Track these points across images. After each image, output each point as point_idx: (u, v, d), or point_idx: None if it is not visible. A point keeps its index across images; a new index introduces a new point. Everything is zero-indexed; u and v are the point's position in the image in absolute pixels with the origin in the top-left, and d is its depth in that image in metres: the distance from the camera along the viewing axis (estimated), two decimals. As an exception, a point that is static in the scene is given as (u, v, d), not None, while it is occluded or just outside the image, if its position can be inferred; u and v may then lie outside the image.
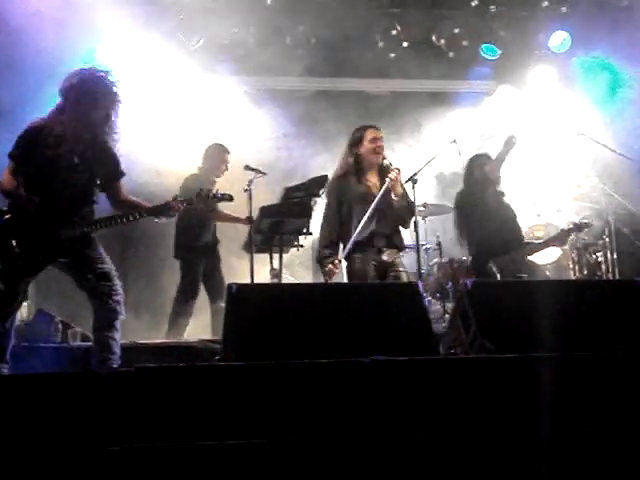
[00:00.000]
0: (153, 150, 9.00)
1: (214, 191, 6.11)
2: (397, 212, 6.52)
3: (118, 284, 5.28)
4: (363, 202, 6.45)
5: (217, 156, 8.28)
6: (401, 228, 6.67)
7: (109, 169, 5.46)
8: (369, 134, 6.62)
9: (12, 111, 7.26)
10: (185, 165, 8.58)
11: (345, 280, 6.84)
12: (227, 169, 8.22)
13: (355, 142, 6.66)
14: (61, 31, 7.94)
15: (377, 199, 6.33)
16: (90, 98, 5.28)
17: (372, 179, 6.64)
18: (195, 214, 7.66)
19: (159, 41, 9.25)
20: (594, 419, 3.82)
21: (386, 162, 6.56)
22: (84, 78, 5.37)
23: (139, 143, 8.51)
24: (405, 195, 6.57)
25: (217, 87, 9.76)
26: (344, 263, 6.49)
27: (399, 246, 6.60)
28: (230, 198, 6.19)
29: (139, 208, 5.50)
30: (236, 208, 7.89)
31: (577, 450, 3.64)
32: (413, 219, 6.75)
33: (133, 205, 5.53)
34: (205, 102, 9.76)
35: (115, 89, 5.39)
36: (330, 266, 6.37)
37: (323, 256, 6.51)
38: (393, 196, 6.44)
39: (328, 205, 6.68)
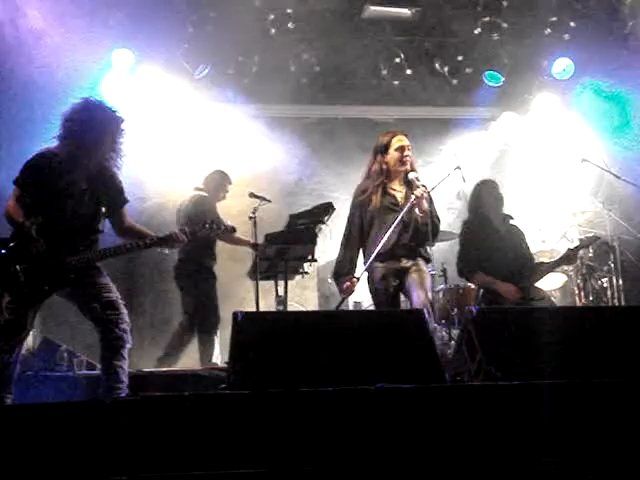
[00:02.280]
0: (160, 176, 9.06)
1: (217, 223, 6.05)
2: (421, 228, 6.30)
3: (124, 312, 5.26)
4: (387, 213, 6.31)
5: (218, 183, 8.28)
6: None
7: (113, 196, 5.48)
8: (396, 141, 6.43)
9: (16, 136, 7.33)
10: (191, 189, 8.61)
11: (365, 291, 6.77)
12: (224, 197, 8.24)
13: (381, 149, 6.47)
14: (66, 58, 8.00)
15: (401, 215, 6.17)
16: (95, 127, 5.31)
17: (398, 188, 6.46)
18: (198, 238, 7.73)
19: (164, 69, 9.34)
20: (601, 447, 3.80)
21: (412, 175, 6.34)
22: (88, 108, 5.41)
23: (147, 169, 8.60)
24: (431, 212, 6.35)
25: (222, 115, 9.82)
26: (365, 274, 6.36)
27: (424, 257, 6.43)
28: (233, 230, 6.16)
29: (143, 237, 5.51)
30: (241, 235, 7.92)
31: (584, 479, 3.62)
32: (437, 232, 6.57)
33: (137, 233, 5.54)
34: (210, 130, 9.81)
35: (119, 118, 5.43)
36: (348, 283, 6.28)
37: (340, 273, 6.41)
38: (418, 212, 6.24)
39: (351, 217, 6.52)
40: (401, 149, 6.41)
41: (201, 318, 7.93)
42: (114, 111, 5.47)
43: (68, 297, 5.34)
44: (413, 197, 6.22)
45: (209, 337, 7.77)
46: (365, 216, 6.41)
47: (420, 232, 6.34)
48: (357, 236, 6.44)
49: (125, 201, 5.54)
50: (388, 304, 6.33)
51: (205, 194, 8.15)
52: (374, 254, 6.15)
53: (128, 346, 5.23)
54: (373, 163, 6.51)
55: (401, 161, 6.40)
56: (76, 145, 5.28)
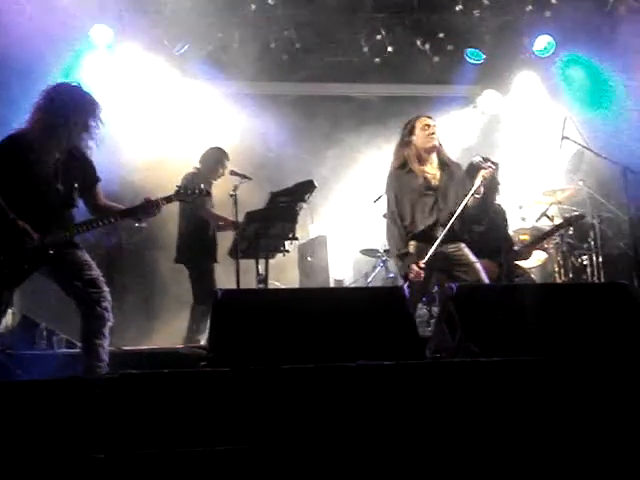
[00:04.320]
0: (142, 153, 9.02)
1: (191, 187, 5.98)
2: (470, 210, 6.39)
3: (106, 290, 5.24)
4: (422, 196, 6.34)
5: (216, 159, 8.18)
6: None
7: (86, 175, 5.45)
8: (420, 122, 6.49)
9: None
10: (172, 164, 8.56)
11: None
12: (224, 174, 8.11)
13: (407, 133, 6.51)
14: (45, 36, 7.93)
15: (468, 197, 6.23)
16: (67, 107, 5.28)
17: (431, 170, 6.46)
18: (193, 217, 7.77)
19: (144, 46, 9.27)
20: (578, 422, 3.83)
21: (477, 159, 6.50)
22: (59, 90, 5.38)
23: (128, 147, 8.56)
24: (484, 199, 6.47)
25: (202, 92, 9.77)
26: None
27: (460, 236, 6.42)
28: (208, 193, 6.10)
29: (117, 211, 5.50)
30: (222, 213, 7.90)
31: (561, 454, 3.64)
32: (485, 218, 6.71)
33: (111, 210, 5.51)
34: (190, 107, 9.76)
35: (91, 99, 5.41)
36: (416, 268, 6.15)
37: (404, 253, 6.32)
38: (475, 195, 6.31)
39: (390, 201, 6.51)
40: (427, 126, 6.46)
41: (199, 299, 7.88)
42: (89, 94, 5.44)
43: (49, 275, 5.32)
44: (480, 177, 6.30)
45: (202, 318, 7.70)
46: (402, 201, 6.41)
47: (470, 215, 6.45)
48: (399, 218, 6.39)
49: (97, 179, 5.52)
50: (419, 286, 6.31)
51: (195, 171, 8.05)
52: (441, 238, 6.18)
53: (109, 324, 5.22)
54: (402, 147, 6.56)
55: (428, 137, 6.43)
56: (48, 124, 5.25)
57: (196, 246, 7.95)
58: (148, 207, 5.47)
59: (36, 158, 5.19)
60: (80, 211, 5.48)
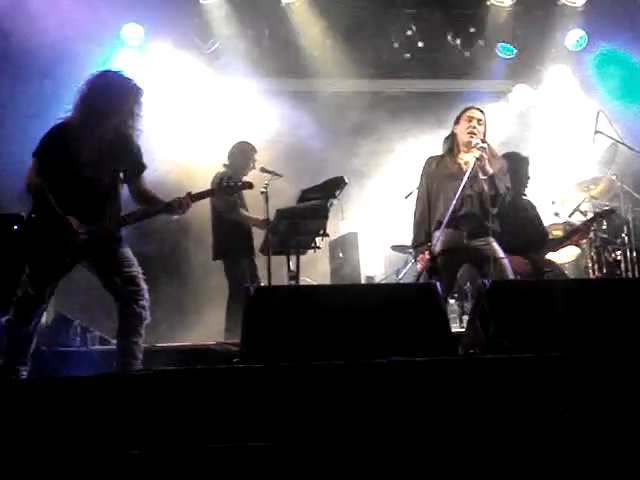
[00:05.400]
0: (171, 149, 9.05)
1: (230, 180, 5.93)
2: (484, 195, 6.33)
3: (144, 288, 5.24)
4: (452, 180, 6.32)
5: (244, 153, 8.17)
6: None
7: (132, 162, 5.43)
8: (467, 113, 6.54)
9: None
10: (206, 163, 8.59)
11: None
12: (254, 167, 8.08)
13: (454, 123, 6.61)
14: (76, 32, 7.99)
15: (464, 180, 6.15)
16: (110, 94, 5.28)
17: (465, 158, 6.46)
18: (224, 216, 7.81)
19: (174, 44, 9.31)
20: (612, 419, 3.80)
21: (475, 140, 6.37)
22: (104, 76, 5.40)
23: (157, 143, 8.59)
24: (492, 177, 6.32)
25: (232, 89, 9.78)
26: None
27: (489, 230, 6.32)
28: (250, 186, 6.08)
29: (158, 203, 5.48)
30: (253, 210, 7.92)
31: (595, 450, 3.62)
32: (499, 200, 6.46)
33: (152, 199, 5.49)
34: (220, 104, 9.78)
35: (136, 87, 5.41)
36: (421, 256, 6.20)
37: (420, 242, 6.35)
38: (481, 176, 6.28)
39: (420, 187, 6.56)
40: (469, 119, 6.49)
41: (236, 295, 7.87)
42: (131, 80, 5.44)
43: (90, 269, 5.33)
44: (473, 159, 6.27)
45: (239, 317, 7.67)
46: (431, 185, 6.44)
47: (484, 200, 6.36)
48: (426, 205, 6.39)
49: (144, 167, 5.49)
50: (445, 276, 6.25)
51: (225, 169, 8.05)
52: (444, 224, 6.14)
53: (146, 322, 5.22)
54: (447, 139, 6.65)
55: (467, 130, 6.46)
56: (91, 112, 5.25)
57: (231, 243, 7.94)
58: (180, 204, 5.45)
59: (80, 146, 5.20)
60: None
